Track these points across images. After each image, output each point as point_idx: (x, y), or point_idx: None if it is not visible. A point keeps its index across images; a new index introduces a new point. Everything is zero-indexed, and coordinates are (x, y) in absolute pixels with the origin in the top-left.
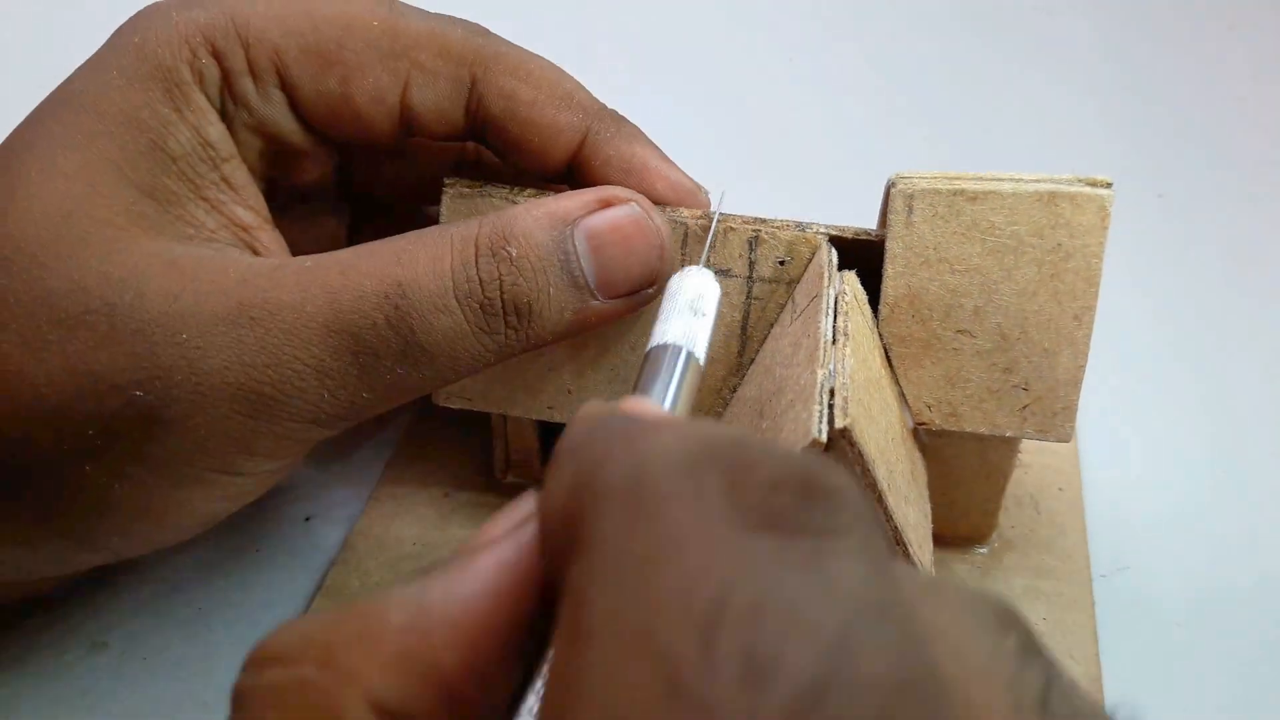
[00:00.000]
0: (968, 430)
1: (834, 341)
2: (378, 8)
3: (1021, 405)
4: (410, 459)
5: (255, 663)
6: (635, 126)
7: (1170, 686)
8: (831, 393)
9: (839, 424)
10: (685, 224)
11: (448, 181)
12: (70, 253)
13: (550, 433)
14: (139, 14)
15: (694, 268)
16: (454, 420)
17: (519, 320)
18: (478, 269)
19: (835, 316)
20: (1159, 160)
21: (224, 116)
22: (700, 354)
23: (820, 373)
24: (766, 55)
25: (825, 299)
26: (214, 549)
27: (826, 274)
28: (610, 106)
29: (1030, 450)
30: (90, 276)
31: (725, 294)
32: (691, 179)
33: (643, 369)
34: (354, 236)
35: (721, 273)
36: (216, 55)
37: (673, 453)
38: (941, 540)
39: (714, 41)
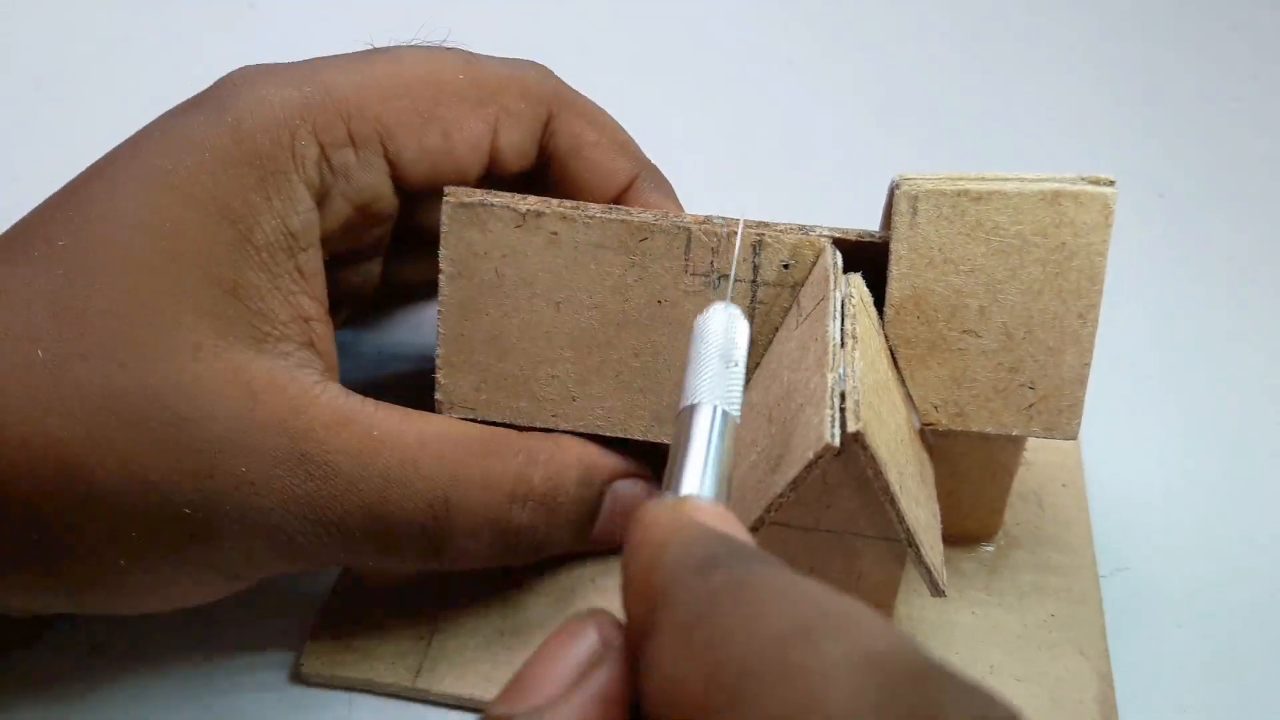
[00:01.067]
0: (974, 430)
1: (843, 345)
2: (458, 60)
3: (1028, 404)
4: None
5: None
6: (668, 182)
7: (1171, 686)
8: (843, 396)
9: (851, 428)
10: (688, 229)
11: (448, 192)
12: (147, 353)
13: None
14: (231, 83)
15: (720, 306)
16: None
17: (530, 551)
18: (525, 511)
19: (843, 320)
20: (1159, 160)
21: (317, 194)
22: (737, 410)
23: (830, 376)
24: (765, 58)
25: (832, 302)
26: None
27: (832, 277)
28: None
29: (1032, 447)
30: (164, 384)
31: (719, 293)
32: None
33: (681, 433)
34: (389, 269)
35: (724, 278)
36: (316, 133)
37: (848, 696)
38: (948, 539)
39: (712, 44)
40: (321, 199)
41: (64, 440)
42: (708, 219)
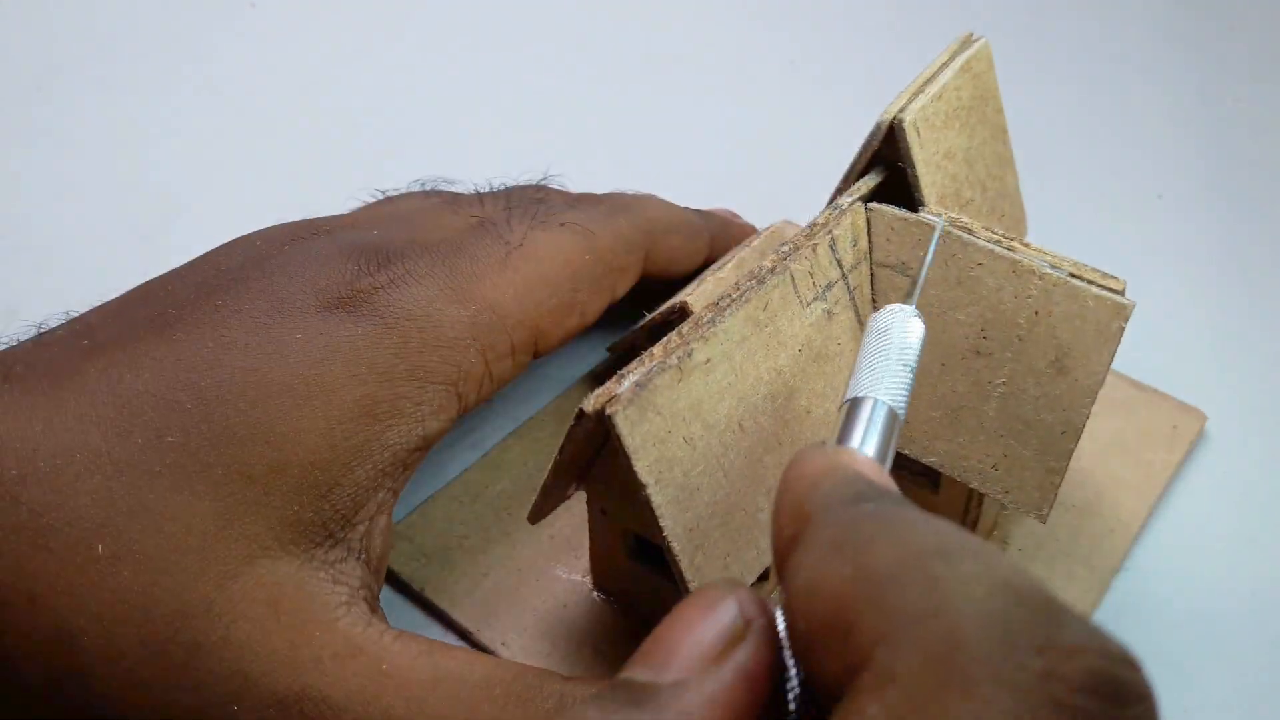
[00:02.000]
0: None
1: (1012, 249)
2: (581, 243)
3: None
4: None
5: None
6: (728, 216)
7: (1171, 687)
8: (1077, 275)
9: (1118, 287)
10: (787, 266)
11: (610, 411)
12: (197, 568)
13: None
14: (385, 287)
15: (903, 308)
16: None
17: None
18: None
19: (979, 233)
20: (1159, 160)
21: (469, 403)
22: (903, 409)
23: (1052, 272)
24: (765, 58)
25: (953, 230)
26: None
27: (922, 216)
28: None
29: None
30: (198, 602)
31: (835, 304)
32: None
33: (849, 419)
34: None
35: (828, 287)
36: (484, 352)
37: (985, 608)
38: None
39: (706, 45)
40: (470, 405)
41: (85, 649)
42: (780, 243)
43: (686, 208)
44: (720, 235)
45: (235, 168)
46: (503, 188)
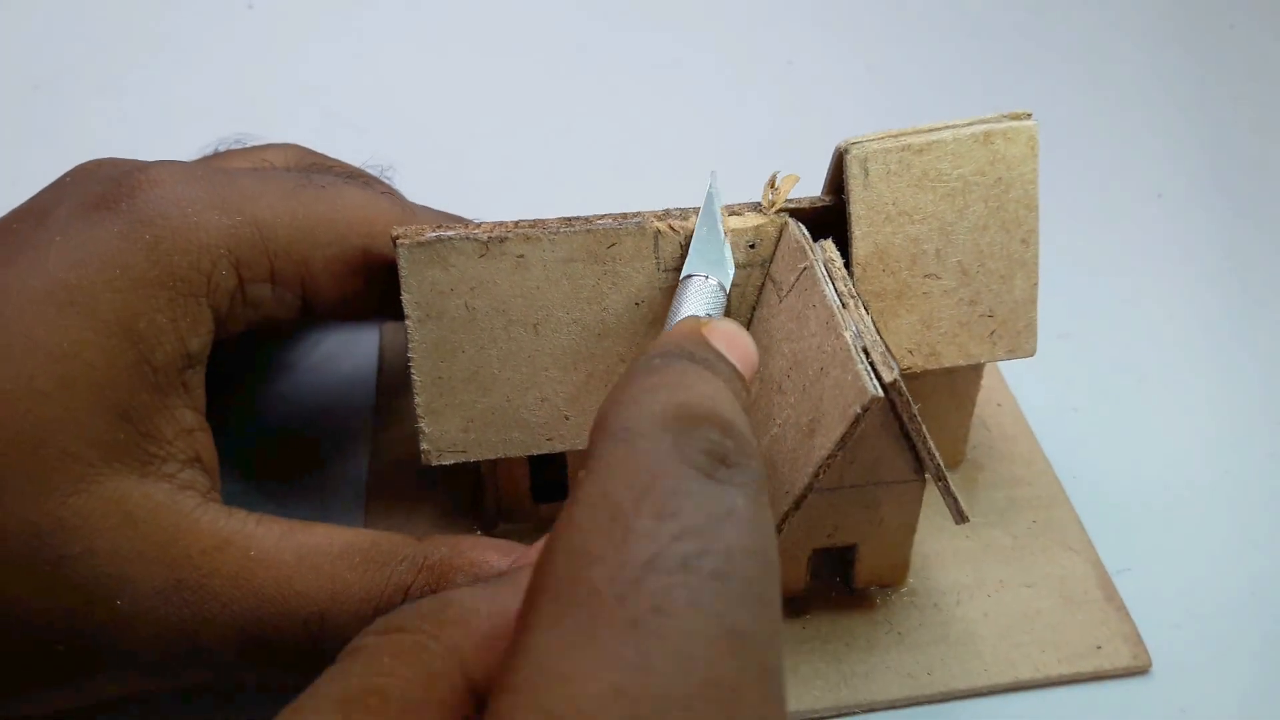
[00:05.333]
0: (947, 366)
1: (844, 305)
2: (393, 209)
3: (989, 332)
4: (384, 521)
5: (380, 629)
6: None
7: (1166, 687)
8: (865, 351)
9: (886, 379)
10: (655, 226)
11: (399, 234)
12: (32, 489)
13: (540, 470)
14: (148, 185)
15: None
16: (419, 474)
17: None
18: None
19: (834, 282)
20: (1159, 160)
21: (222, 317)
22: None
23: (847, 335)
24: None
25: (818, 269)
26: None
27: (806, 247)
28: None
29: None
30: (47, 520)
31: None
32: None
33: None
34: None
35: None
36: (239, 267)
37: (656, 415)
38: None
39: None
40: (224, 321)
41: None
42: (666, 212)
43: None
44: None
45: None
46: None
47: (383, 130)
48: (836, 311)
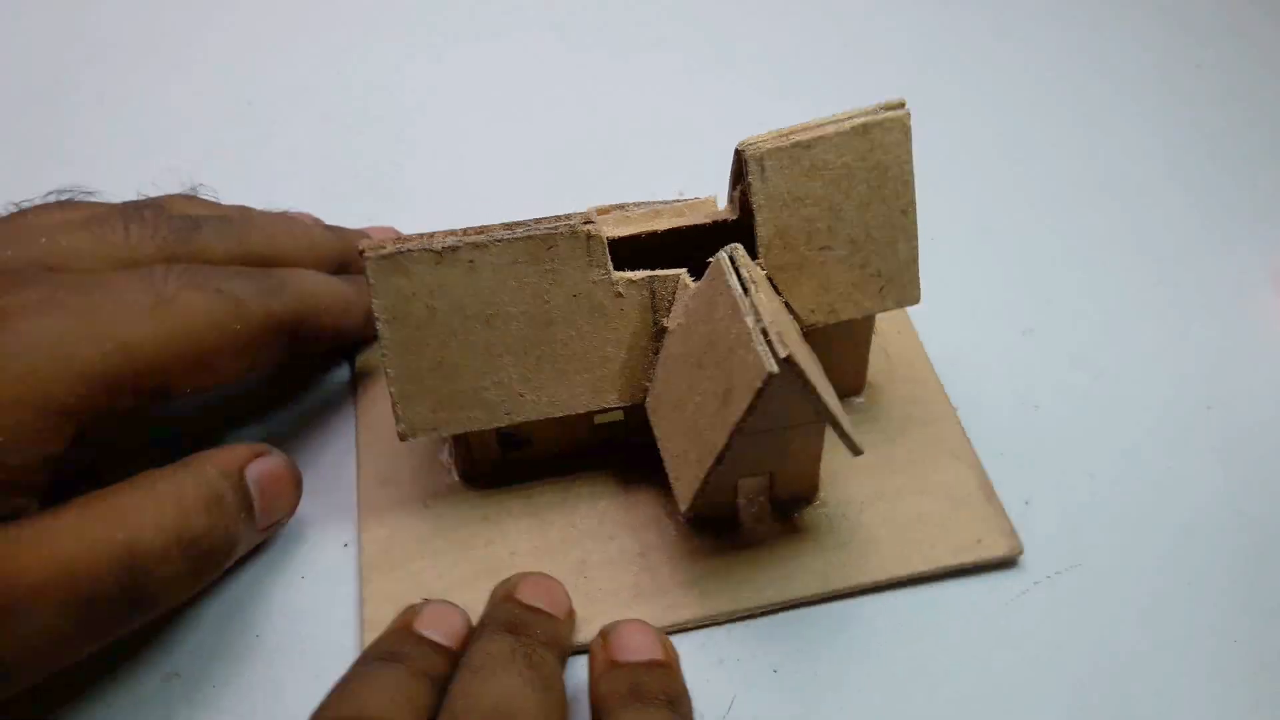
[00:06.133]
0: (845, 319)
1: (746, 291)
2: (231, 310)
3: (879, 288)
4: (377, 482)
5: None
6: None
7: (1122, 682)
8: (764, 332)
9: (781, 354)
10: (585, 231)
11: (366, 248)
12: None
13: (505, 435)
14: (18, 310)
15: None
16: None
17: (224, 557)
18: (199, 516)
19: (739, 270)
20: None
21: (84, 428)
22: None
23: (749, 320)
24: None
25: (724, 261)
26: (264, 578)
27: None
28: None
29: None
30: None
31: (626, 291)
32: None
33: None
34: None
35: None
36: (109, 394)
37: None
38: None
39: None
40: (80, 437)
41: None
42: (589, 219)
43: (343, 250)
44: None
45: (234, 167)
46: (149, 203)
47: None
48: (739, 299)
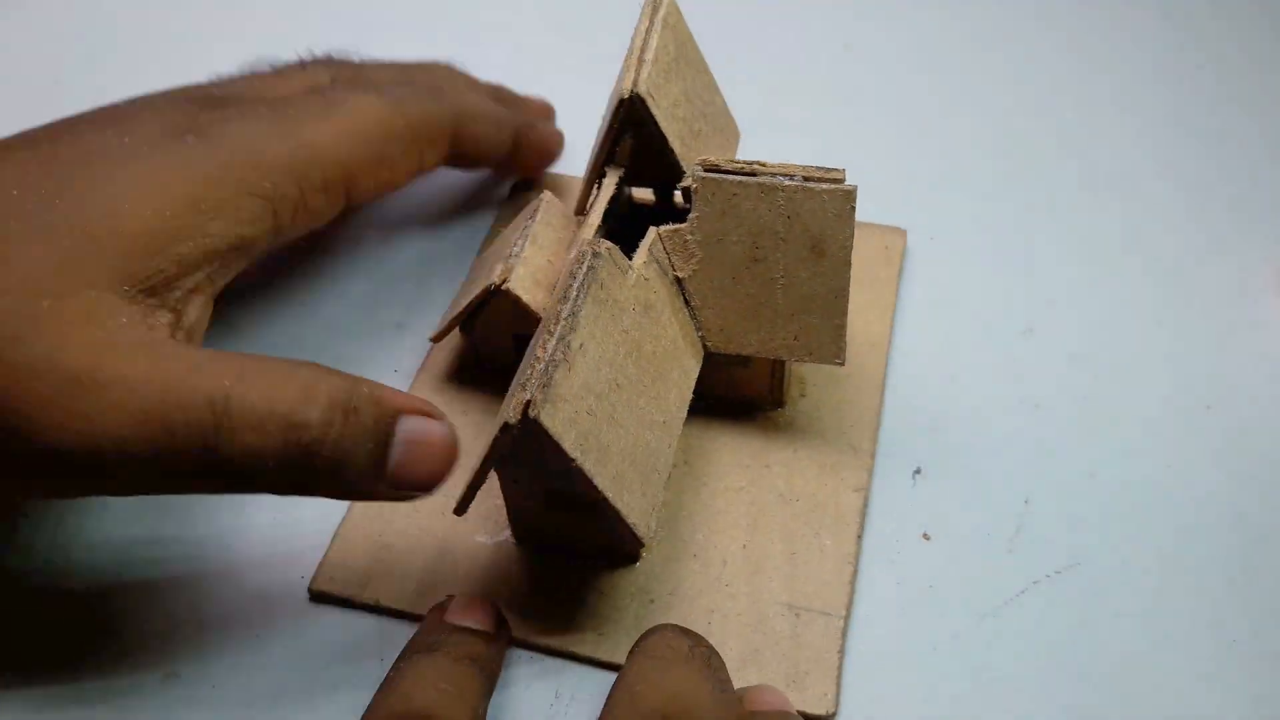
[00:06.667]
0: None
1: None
2: (395, 108)
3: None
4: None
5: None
6: (540, 104)
7: (1121, 681)
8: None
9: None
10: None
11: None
12: (25, 298)
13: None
14: (219, 121)
15: None
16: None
17: (327, 467)
18: (316, 409)
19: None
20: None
21: (278, 224)
22: None
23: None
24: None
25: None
26: (264, 579)
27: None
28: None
29: None
30: (26, 320)
31: (648, 272)
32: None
33: None
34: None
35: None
36: (299, 181)
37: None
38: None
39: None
40: (280, 228)
41: None
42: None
43: (497, 97)
44: (526, 132)
45: None
46: (325, 56)
47: None
48: (760, 176)
